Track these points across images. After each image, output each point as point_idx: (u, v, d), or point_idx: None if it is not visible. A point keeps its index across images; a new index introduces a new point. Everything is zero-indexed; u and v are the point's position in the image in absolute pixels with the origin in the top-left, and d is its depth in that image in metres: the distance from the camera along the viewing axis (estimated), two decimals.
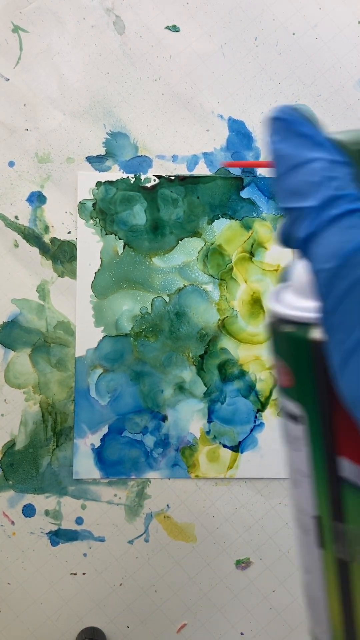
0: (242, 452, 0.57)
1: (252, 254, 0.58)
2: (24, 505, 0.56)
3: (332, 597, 0.25)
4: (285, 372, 0.24)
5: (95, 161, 0.58)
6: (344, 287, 0.19)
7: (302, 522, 0.26)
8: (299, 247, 0.21)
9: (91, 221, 0.57)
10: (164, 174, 0.58)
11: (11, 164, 0.57)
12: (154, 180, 0.58)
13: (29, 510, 0.56)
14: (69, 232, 0.57)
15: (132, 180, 0.57)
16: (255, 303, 0.57)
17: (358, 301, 0.19)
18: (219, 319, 0.57)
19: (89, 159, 0.58)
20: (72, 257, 0.57)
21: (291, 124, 0.21)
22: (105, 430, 0.57)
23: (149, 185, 0.57)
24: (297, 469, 0.25)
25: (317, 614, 0.26)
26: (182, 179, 0.58)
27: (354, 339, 0.19)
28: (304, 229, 0.20)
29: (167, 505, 0.57)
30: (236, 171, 0.58)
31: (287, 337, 0.24)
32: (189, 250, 0.58)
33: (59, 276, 0.57)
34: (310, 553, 0.26)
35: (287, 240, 0.22)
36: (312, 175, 0.20)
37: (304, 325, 0.23)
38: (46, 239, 0.57)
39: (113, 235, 0.57)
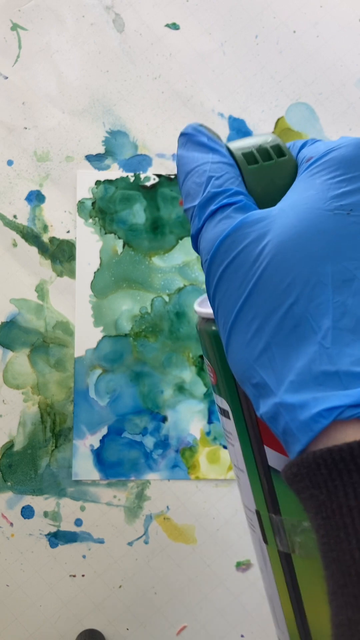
0: None
1: None
2: (23, 507, 0.56)
3: (282, 594, 0.25)
4: (210, 370, 0.25)
5: (95, 160, 0.57)
6: (219, 272, 0.21)
7: (249, 519, 0.26)
8: (194, 246, 0.23)
9: (90, 220, 0.57)
10: (163, 173, 0.57)
11: (10, 162, 0.57)
12: (154, 179, 0.57)
13: (27, 512, 0.56)
14: (68, 232, 0.57)
15: (132, 179, 0.57)
16: None
17: (229, 282, 0.20)
18: None
19: (88, 157, 0.57)
20: (71, 257, 0.57)
21: (191, 137, 0.23)
22: (104, 431, 0.56)
23: (148, 184, 0.57)
24: (235, 465, 0.25)
25: (276, 614, 0.26)
26: None
27: (231, 318, 0.20)
28: (193, 227, 0.22)
29: (167, 507, 0.56)
30: None
31: (205, 334, 0.25)
32: (188, 249, 0.57)
33: (57, 276, 0.57)
34: (259, 551, 0.26)
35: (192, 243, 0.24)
36: (200, 177, 0.22)
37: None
38: (45, 238, 0.57)
39: (112, 234, 0.57)
